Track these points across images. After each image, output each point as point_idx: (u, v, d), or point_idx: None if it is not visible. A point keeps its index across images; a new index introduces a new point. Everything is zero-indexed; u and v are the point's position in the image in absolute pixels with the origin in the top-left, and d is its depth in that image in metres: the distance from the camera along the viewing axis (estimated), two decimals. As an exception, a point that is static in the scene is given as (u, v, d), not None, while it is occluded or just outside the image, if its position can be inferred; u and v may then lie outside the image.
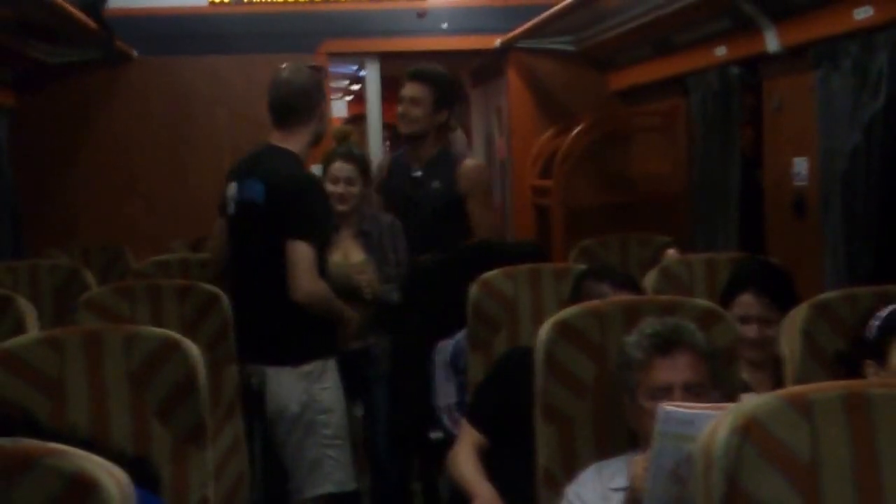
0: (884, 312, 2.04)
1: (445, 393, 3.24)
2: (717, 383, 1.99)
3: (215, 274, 3.18)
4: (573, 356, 2.12)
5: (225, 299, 2.77)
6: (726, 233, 3.75)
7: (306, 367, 2.99)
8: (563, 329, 2.12)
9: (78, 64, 4.55)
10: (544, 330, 2.12)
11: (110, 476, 1.11)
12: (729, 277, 2.66)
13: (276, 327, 2.96)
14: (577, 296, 2.56)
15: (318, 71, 3.21)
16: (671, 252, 3.59)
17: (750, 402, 1.31)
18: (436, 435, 3.22)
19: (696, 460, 1.30)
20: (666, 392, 1.93)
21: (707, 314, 2.14)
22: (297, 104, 3.03)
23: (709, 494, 1.27)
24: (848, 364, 2.08)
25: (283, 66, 3.12)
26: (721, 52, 3.59)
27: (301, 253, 2.87)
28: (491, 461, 2.51)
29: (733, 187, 3.70)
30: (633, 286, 2.57)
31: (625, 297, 2.41)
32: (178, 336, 1.96)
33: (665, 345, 1.96)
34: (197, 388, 1.94)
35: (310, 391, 2.99)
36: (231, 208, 3.07)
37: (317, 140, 3.14)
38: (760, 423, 1.27)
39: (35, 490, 1.09)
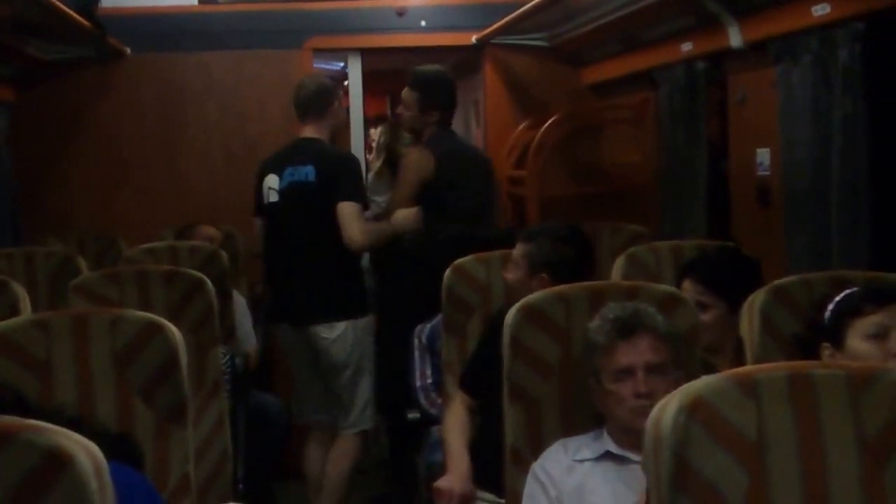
0: (838, 297, 2.11)
1: (422, 374, 3.38)
2: (680, 364, 2.08)
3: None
4: (539, 339, 2.21)
5: (209, 285, 2.85)
6: (693, 221, 3.83)
7: (361, 322, 3.66)
8: (529, 313, 2.22)
9: (73, 61, 4.64)
10: (511, 314, 2.22)
11: (84, 451, 1.15)
12: None
13: (332, 290, 3.61)
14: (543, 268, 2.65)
15: (333, 80, 3.85)
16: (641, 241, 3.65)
17: (697, 381, 1.36)
18: (413, 415, 3.35)
19: (646, 439, 1.35)
20: (628, 374, 2.03)
21: (668, 298, 2.25)
22: (316, 102, 3.68)
23: (658, 473, 1.31)
24: (805, 347, 2.14)
25: (307, 74, 3.88)
26: (687, 47, 3.69)
27: (353, 210, 3.55)
28: (482, 422, 2.61)
29: (700, 177, 3.79)
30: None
31: (586, 281, 2.46)
32: (161, 319, 2.05)
33: (626, 328, 2.06)
34: (178, 369, 2.04)
35: (363, 342, 3.67)
36: (273, 196, 3.65)
37: (334, 131, 3.80)
38: (707, 402, 1.32)
39: (11, 464, 1.13)
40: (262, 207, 3.75)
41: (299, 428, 4.13)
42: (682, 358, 2.14)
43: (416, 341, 3.46)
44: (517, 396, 2.23)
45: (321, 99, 3.70)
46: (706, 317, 2.50)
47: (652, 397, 1.98)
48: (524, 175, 4.49)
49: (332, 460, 3.73)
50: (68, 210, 4.72)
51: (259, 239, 3.84)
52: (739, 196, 3.64)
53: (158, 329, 2.04)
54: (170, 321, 2.07)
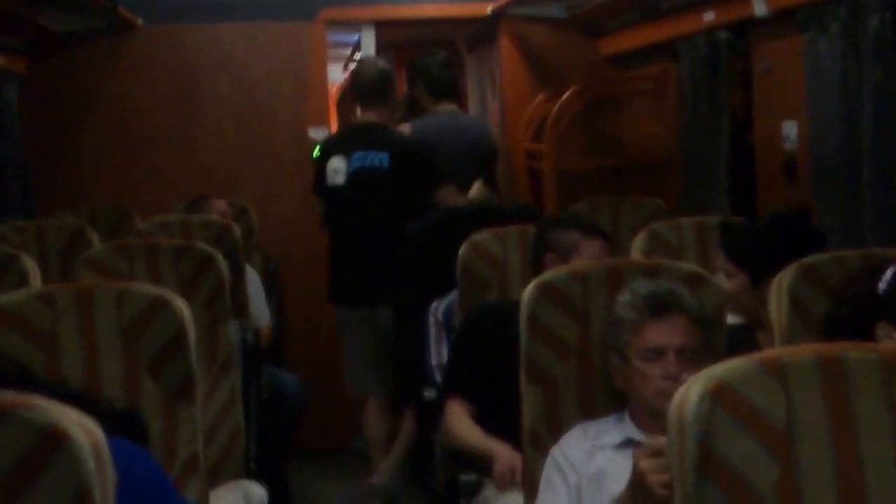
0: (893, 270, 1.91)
1: (438, 352, 3.30)
2: (708, 349, 2.00)
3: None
4: (556, 318, 2.14)
5: (221, 259, 2.80)
6: (716, 196, 3.76)
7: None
8: (547, 291, 2.15)
9: (84, 32, 4.58)
10: (528, 291, 2.15)
11: (82, 429, 1.10)
12: None
13: None
14: (541, 246, 2.59)
15: (390, 62, 3.99)
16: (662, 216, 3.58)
17: (721, 365, 1.29)
18: (429, 393, 3.23)
19: (669, 424, 1.28)
20: (659, 354, 1.95)
21: (692, 277, 2.16)
22: (381, 90, 3.78)
23: (682, 460, 1.25)
24: (842, 328, 1.96)
25: (365, 57, 4.04)
26: (709, 16, 3.60)
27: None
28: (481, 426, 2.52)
29: (723, 151, 3.71)
30: (605, 234, 2.58)
31: (607, 258, 2.45)
32: (168, 293, 2.00)
33: (660, 306, 1.97)
34: (186, 344, 1.99)
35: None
36: (339, 179, 3.74)
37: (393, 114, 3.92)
38: (732, 387, 1.25)
39: (5, 441, 1.08)
40: (324, 189, 3.83)
41: (313, 405, 4.13)
42: (712, 343, 2.06)
43: (431, 318, 3.40)
44: (535, 376, 2.17)
45: (386, 86, 3.81)
46: (730, 285, 2.44)
47: (681, 380, 1.89)
48: (541, 148, 4.42)
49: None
50: (79, 183, 4.67)
51: (320, 217, 3.97)
52: (764, 170, 3.57)
53: (166, 303, 1.99)
54: (181, 296, 2.04)
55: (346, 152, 3.75)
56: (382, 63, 3.94)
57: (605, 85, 4.57)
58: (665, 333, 1.95)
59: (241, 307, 3.54)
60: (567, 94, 4.30)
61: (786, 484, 1.26)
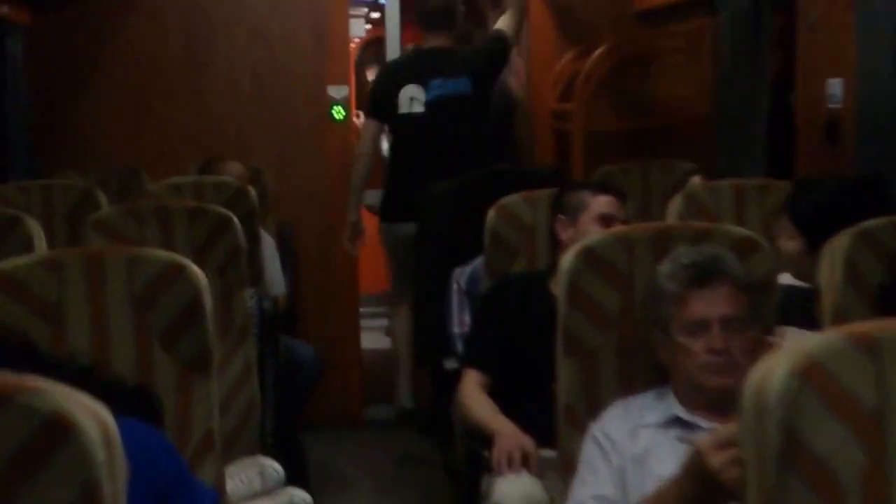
0: None
1: (460, 321, 3.19)
2: (758, 318, 1.89)
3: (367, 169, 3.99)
4: (598, 286, 2.01)
5: (236, 223, 2.66)
6: (753, 159, 3.61)
7: None
8: (589, 257, 2.01)
9: None
10: (568, 259, 2.01)
11: (92, 417, 0.98)
12: None
13: None
14: (552, 213, 2.60)
15: None
16: (696, 179, 3.47)
17: (809, 340, 1.14)
18: (450, 363, 3.14)
19: (744, 408, 1.13)
20: (703, 327, 1.83)
21: (743, 242, 2.04)
22: (448, 14, 3.78)
23: (762, 448, 1.11)
24: None
25: None
26: (754, -32, 3.41)
27: None
28: (497, 400, 2.44)
29: (762, 111, 3.55)
30: (617, 191, 2.54)
31: (652, 222, 2.45)
32: (183, 259, 1.87)
33: (703, 276, 1.85)
34: (202, 314, 1.85)
35: None
36: (416, 107, 3.74)
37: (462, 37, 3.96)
38: (822, 365, 1.10)
39: (6, 431, 0.95)
40: (391, 116, 3.83)
41: (328, 376, 4.01)
42: (761, 311, 1.94)
43: (454, 285, 3.28)
44: (572, 349, 2.04)
45: (452, 9, 3.79)
46: (790, 245, 2.35)
47: (727, 354, 1.81)
48: (569, 109, 4.26)
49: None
50: (87, 142, 4.50)
51: (367, 140, 3.98)
52: (805, 131, 3.40)
53: (180, 270, 1.85)
54: (195, 261, 1.91)
55: (423, 79, 3.74)
56: None
57: (638, 42, 4.37)
58: (708, 304, 1.84)
59: (257, 274, 3.41)
60: (598, 51, 4.12)
61: (874, 474, 1.11)
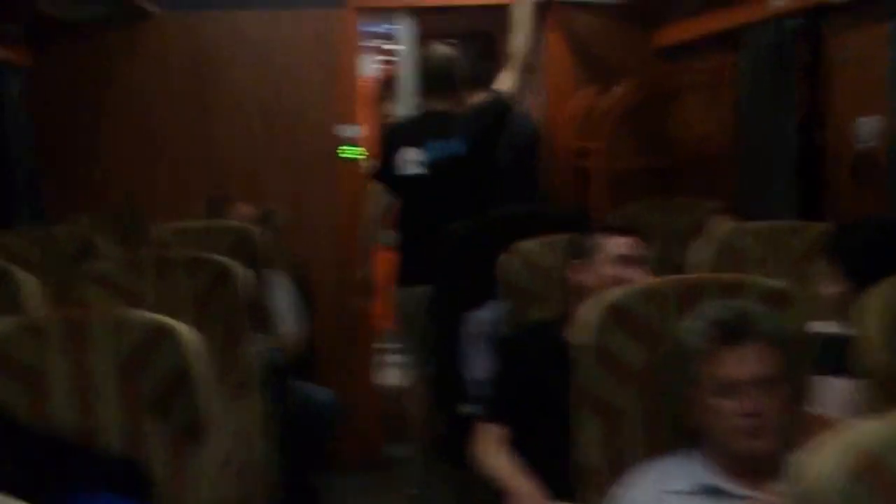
0: None
1: (476, 365, 3.10)
2: (791, 375, 1.75)
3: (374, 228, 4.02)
4: (622, 341, 1.88)
5: (238, 272, 2.57)
6: (779, 198, 3.46)
7: None
8: (616, 312, 1.88)
9: (93, 20, 4.29)
10: (595, 314, 1.88)
11: None
12: None
13: None
14: (566, 258, 2.51)
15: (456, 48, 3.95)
16: (719, 219, 3.34)
17: (862, 429, 1.00)
18: (465, 409, 3.05)
19: (793, 497, 1.00)
20: (733, 388, 1.71)
21: (775, 295, 1.90)
22: (449, 76, 3.80)
23: None
24: None
25: (431, 44, 3.91)
26: (777, 2, 3.28)
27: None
28: (516, 453, 2.34)
29: (788, 149, 3.40)
30: (633, 231, 2.43)
31: (638, 252, 2.34)
32: (172, 321, 1.74)
33: (732, 334, 1.73)
34: (194, 378, 1.72)
35: None
36: (414, 169, 3.76)
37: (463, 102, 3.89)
38: (883, 462, 0.96)
39: None
40: (393, 179, 3.84)
41: (346, 417, 3.95)
42: (796, 368, 1.81)
43: (469, 330, 3.18)
44: (594, 408, 1.90)
45: (453, 73, 3.82)
46: (829, 291, 2.23)
47: (760, 416, 1.69)
48: (590, 146, 4.12)
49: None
50: (93, 184, 4.40)
51: (374, 202, 3.97)
52: (834, 171, 3.26)
53: (169, 332, 1.73)
54: (195, 312, 1.83)
55: (420, 142, 3.77)
56: (448, 49, 3.88)
57: (659, 79, 4.24)
58: (739, 363, 1.72)
59: (265, 320, 3.33)
60: (622, 87, 3.99)
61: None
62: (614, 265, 2.36)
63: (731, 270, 2.70)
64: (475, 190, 3.77)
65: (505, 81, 3.84)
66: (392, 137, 3.94)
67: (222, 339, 2.51)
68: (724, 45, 3.85)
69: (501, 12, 4.58)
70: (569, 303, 2.44)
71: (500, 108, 3.80)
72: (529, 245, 2.77)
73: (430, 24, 4.70)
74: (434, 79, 3.84)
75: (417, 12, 4.60)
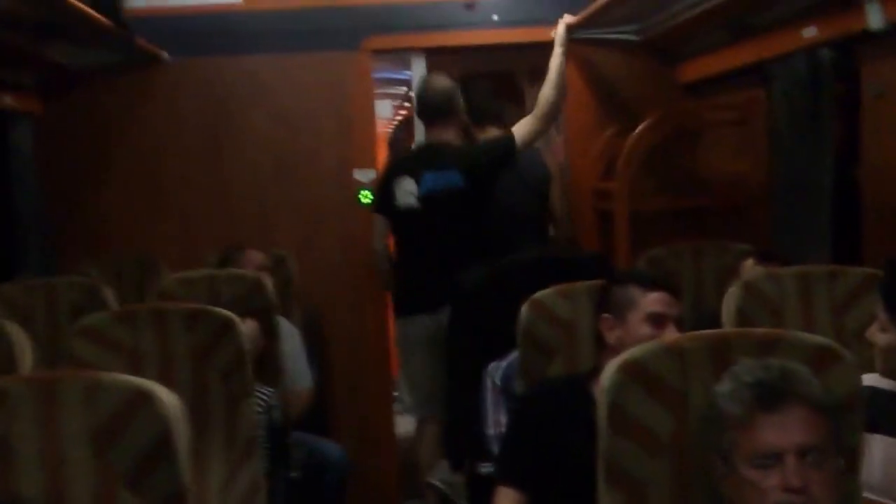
0: None
1: (495, 421, 2.93)
2: (838, 444, 1.57)
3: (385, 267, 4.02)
4: (645, 406, 1.70)
5: (239, 326, 2.43)
6: (815, 240, 3.28)
7: None
8: (634, 372, 1.70)
9: (103, 68, 4.22)
10: (609, 374, 1.71)
11: None
12: None
13: None
14: (596, 308, 2.35)
15: (454, 79, 3.88)
16: (750, 263, 3.16)
17: None
18: (485, 468, 2.88)
19: None
20: (774, 458, 1.53)
21: (819, 353, 1.70)
22: (446, 105, 3.75)
23: None
24: None
25: (428, 75, 3.94)
26: (810, 32, 3.12)
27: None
28: None
29: (824, 187, 3.24)
30: (669, 286, 2.27)
31: (675, 310, 2.20)
32: (151, 385, 1.59)
33: (772, 397, 1.55)
34: (175, 449, 1.57)
35: None
36: (409, 200, 3.72)
37: (463, 131, 3.89)
38: None
39: None
40: (390, 210, 3.81)
41: (359, 471, 3.83)
42: (844, 436, 1.62)
43: (488, 382, 3.01)
44: (617, 480, 1.72)
45: (452, 103, 3.77)
46: (882, 339, 2.08)
47: (805, 492, 1.50)
48: (612, 187, 3.97)
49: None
50: (104, 233, 4.31)
51: (377, 237, 3.98)
52: (873, 210, 3.08)
53: (148, 398, 1.57)
54: (195, 368, 1.69)
55: (416, 173, 3.72)
56: (446, 80, 3.85)
57: (684, 115, 4.08)
58: (780, 432, 1.54)
59: (275, 372, 3.18)
60: (642, 125, 3.84)
61: None
62: (650, 324, 2.21)
63: (764, 321, 2.54)
64: (470, 225, 3.70)
65: (523, 126, 3.77)
66: (390, 169, 3.93)
67: (223, 397, 2.38)
68: (751, 79, 3.71)
69: (515, 52, 4.49)
70: (600, 358, 2.29)
71: (506, 148, 3.74)
72: (547, 294, 2.60)
73: (445, 66, 4.59)
74: (432, 109, 3.80)
75: (431, 53, 4.48)
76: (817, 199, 3.28)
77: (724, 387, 1.61)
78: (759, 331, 1.81)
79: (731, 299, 2.63)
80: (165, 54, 4.31)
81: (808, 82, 3.22)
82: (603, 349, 2.30)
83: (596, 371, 2.26)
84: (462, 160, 3.70)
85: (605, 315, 2.29)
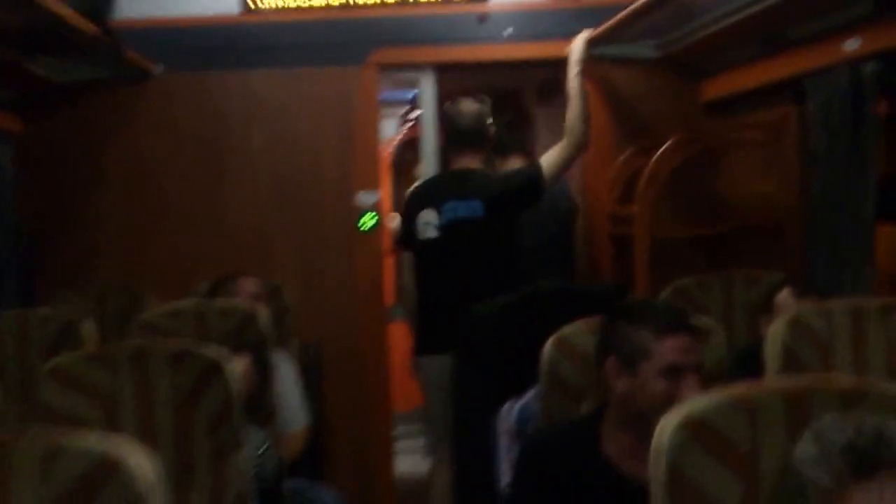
0: None
1: (511, 468, 2.66)
2: None
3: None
4: (710, 469, 1.44)
5: (229, 368, 2.16)
6: (857, 269, 3.03)
7: None
8: (696, 430, 1.44)
9: (89, 83, 3.97)
10: (668, 432, 1.45)
11: None
12: None
13: None
14: (601, 347, 2.05)
15: (483, 100, 3.68)
16: (785, 294, 2.91)
17: None
18: None
19: None
20: None
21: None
22: (478, 133, 3.59)
23: None
24: None
25: (457, 100, 3.65)
26: (852, 45, 2.89)
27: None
28: None
29: (867, 213, 2.99)
30: (687, 328, 1.97)
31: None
32: (121, 451, 1.33)
33: (866, 464, 1.29)
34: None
35: None
36: (430, 232, 3.55)
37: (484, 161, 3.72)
38: None
39: None
40: (413, 243, 3.65)
41: None
42: None
43: (502, 424, 2.77)
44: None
45: (484, 128, 3.62)
46: None
47: None
48: (631, 211, 3.72)
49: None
50: (88, 259, 4.05)
51: (409, 273, 3.76)
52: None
53: (115, 466, 1.31)
54: (178, 416, 1.58)
55: (437, 203, 3.55)
56: (478, 103, 3.67)
57: (708, 135, 3.83)
58: None
59: (268, 413, 2.91)
60: (667, 145, 3.59)
61: None
62: (666, 379, 1.92)
63: (812, 361, 2.28)
64: (492, 258, 3.52)
65: (550, 156, 3.58)
66: (413, 199, 3.72)
67: (210, 449, 2.11)
68: (781, 96, 3.47)
69: (525, 70, 4.26)
70: (607, 407, 2.04)
71: (531, 179, 3.55)
72: (573, 330, 2.36)
73: (453, 82, 4.35)
74: (463, 135, 3.62)
75: (439, 69, 4.23)
76: (859, 224, 3.03)
77: (807, 451, 1.35)
78: (841, 381, 1.55)
79: (775, 337, 2.37)
80: (157, 68, 4.07)
81: (850, 98, 2.99)
82: (610, 400, 2.03)
83: (599, 416, 2.04)
84: (484, 189, 3.53)
85: (613, 357, 1.99)
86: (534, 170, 3.57)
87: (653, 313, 1.99)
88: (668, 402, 1.70)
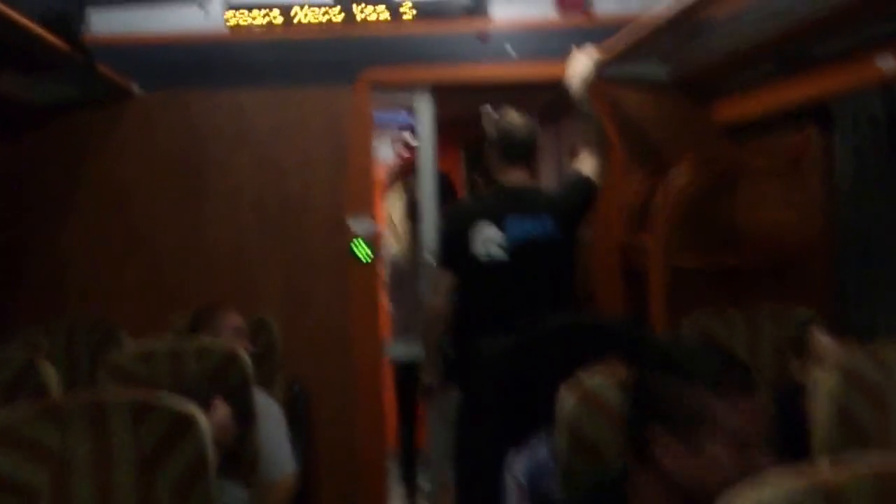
0: None
1: None
2: None
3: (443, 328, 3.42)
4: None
5: (201, 424, 1.90)
6: (893, 304, 2.81)
7: None
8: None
9: (62, 102, 3.73)
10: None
11: None
12: None
13: None
14: (643, 415, 1.62)
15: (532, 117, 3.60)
16: (825, 339, 2.65)
17: None
18: None
19: None
20: None
21: None
22: (533, 147, 3.46)
23: None
24: None
25: (502, 110, 3.53)
26: (887, 63, 2.66)
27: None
28: None
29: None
30: (752, 386, 1.55)
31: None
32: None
33: None
34: None
35: None
36: (492, 249, 3.32)
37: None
38: None
39: None
40: (463, 262, 3.35)
41: None
42: None
43: (509, 479, 2.51)
44: None
45: (537, 144, 3.51)
46: None
47: None
48: (644, 241, 3.49)
49: None
50: (58, 292, 3.80)
51: (442, 296, 3.41)
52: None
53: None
54: (142, 480, 1.50)
55: (497, 218, 3.33)
56: (529, 119, 3.53)
57: (726, 160, 3.62)
58: None
59: (251, 463, 2.68)
60: (684, 171, 3.37)
61: None
62: (737, 450, 1.51)
63: (867, 417, 2.03)
64: (563, 281, 3.36)
65: (585, 162, 3.48)
66: (461, 214, 3.46)
67: (181, 514, 1.84)
68: (803, 119, 3.25)
69: (538, 89, 4.04)
70: (640, 477, 1.65)
71: (591, 191, 3.45)
72: (596, 382, 2.08)
73: (450, 107, 4.13)
74: (518, 148, 3.43)
75: (437, 90, 4.00)
76: (893, 255, 2.81)
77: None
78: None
79: (826, 393, 2.11)
80: (136, 87, 3.84)
81: (883, 121, 2.77)
82: (647, 466, 1.62)
83: (626, 476, 1.67)
84: (554, 205, 3.37)
85: (660, 428, 1.56)
86: (590, 181, 3.44)
87: (707, 364, 1.57)
88: (737, 480, 1.37)
